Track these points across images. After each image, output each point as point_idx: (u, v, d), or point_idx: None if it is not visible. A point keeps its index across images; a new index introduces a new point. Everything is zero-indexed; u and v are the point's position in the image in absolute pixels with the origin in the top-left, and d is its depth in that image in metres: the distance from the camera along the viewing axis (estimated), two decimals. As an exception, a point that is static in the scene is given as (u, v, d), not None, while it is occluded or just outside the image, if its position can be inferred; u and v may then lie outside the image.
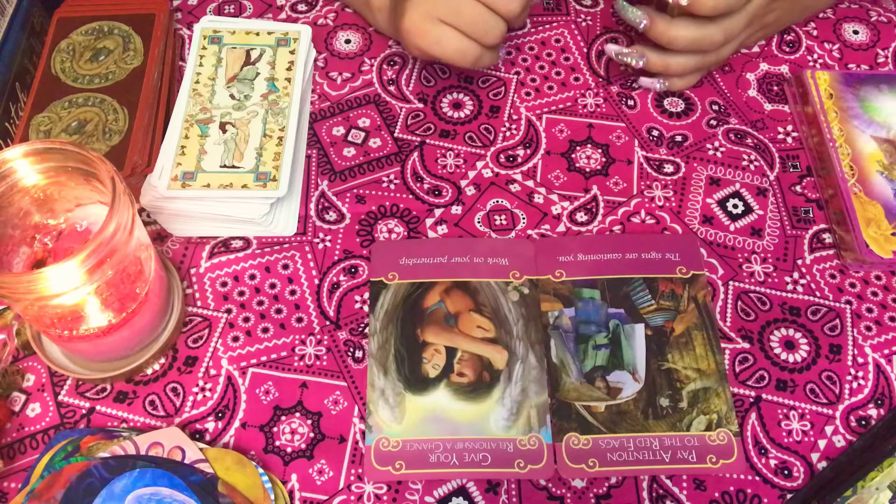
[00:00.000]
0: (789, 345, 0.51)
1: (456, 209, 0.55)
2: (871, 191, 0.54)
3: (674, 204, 0.56)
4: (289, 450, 0.47)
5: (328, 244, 0.54)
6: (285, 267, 0.53)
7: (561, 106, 0.60)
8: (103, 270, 0.41)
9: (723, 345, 0.50)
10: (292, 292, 0.52)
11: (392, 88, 0.60)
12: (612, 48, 0.58)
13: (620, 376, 0.49)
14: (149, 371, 0.49)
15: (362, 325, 0.51)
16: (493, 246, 0.53)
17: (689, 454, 0.46)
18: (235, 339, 0.50)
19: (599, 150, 0.58)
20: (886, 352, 0.50)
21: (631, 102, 0.60)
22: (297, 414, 0.48)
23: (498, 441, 0.47)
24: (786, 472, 0.47)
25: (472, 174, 0.57)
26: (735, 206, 0.55)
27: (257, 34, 0.59)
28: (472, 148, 0.58)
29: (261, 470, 0.44)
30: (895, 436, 0.46)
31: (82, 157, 0.42)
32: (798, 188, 0.56)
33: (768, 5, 0.56)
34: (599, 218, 0.55)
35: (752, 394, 0.49)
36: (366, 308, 0.51)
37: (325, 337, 0.50)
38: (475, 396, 0.48)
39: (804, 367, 0.50)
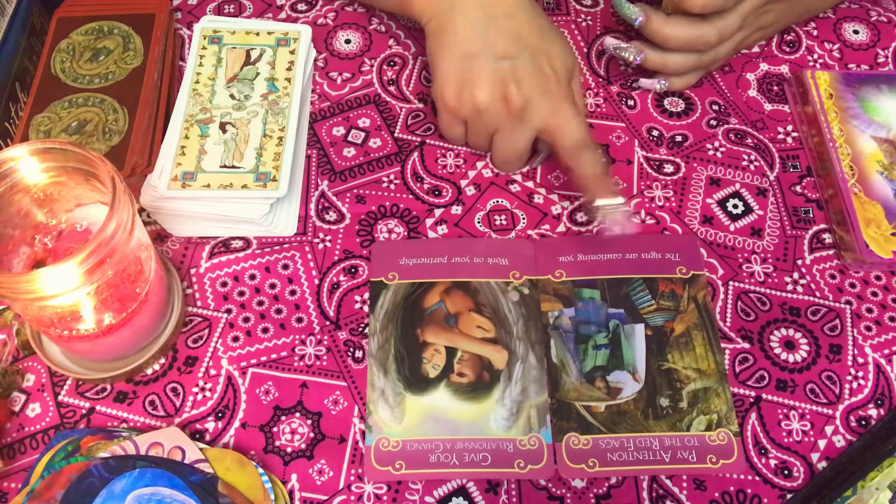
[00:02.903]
0: (789, 345, 0.51)
1: (456, 209, 0.55)
2: (871, 191, 0.54)
3: (674, 204, 0.56)
4: (289, 450, 0.47)
5: (328, 244, 0.54)
6: (285, 267, 0.53)
7: (561, 106, 0.60)
8: (103, 270, 0.41)
9: (723, 345, 0.50)
10: (292, 292, 0.52)
11: (392, 88, 0.60)
12: (610, 42, 0.58)
13: (620, 376, 0.49)
14: (149, 371, 0.49)
15: (362, 326, 0.51)
16: (493, 246, 0.53)
17: (689, 454, 0.46)
18: (235, 339, 0.50)
19: (599, 151, 0.58)
20: (886, 352, 0.50)
21: (631, 102, 0.60)
22: (297, 414, 0.48)
23: (498, 441, 0.47)
24: (786, 472, 0.47)
25: (472, 174, 0.57)
26: (735, 206, 0.55)
27: (257, 34, 0.59)
28: (472, 148, 0.58)
29: (261, 470, 0.44)
30: (895, 436, 0.46)
31: (82, 157, 0.42)
32: (798, 188, 0.56)
33: (763, 6, 0.56)
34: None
35: (752, 394, 0.49)
36: (366, 308, 0.51)
37: (325, 337, 0.50)
38: (475, 396, 0.48)
39: (804, 367, 0.50)
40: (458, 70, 0.52)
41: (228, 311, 0.51)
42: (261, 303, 0.52)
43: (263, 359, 0.50)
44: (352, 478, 0.46)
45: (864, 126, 0.57)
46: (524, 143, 0.53)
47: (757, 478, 0.46)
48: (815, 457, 0.47)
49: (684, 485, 0.46)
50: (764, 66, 0.62)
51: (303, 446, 0.47)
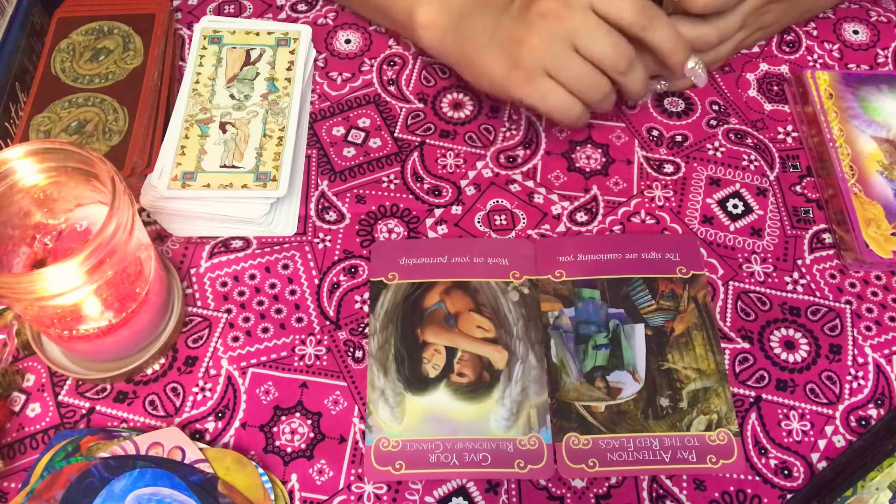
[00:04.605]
0: (789, 345, 0.51)
1: (456, 209, 0.55)
2: (871, 191, 0.54)
3: (674, 204, 0.56)
4: (289, 450, 0.47)
5: (328, 244, 0.54)
6: (285, 267, 0.53)
7: (561, 106, 0.60)
8: (103, 270, 0.41)
9: (723, 345, 0.50)
10: (292, 292, 0.52)
11: (392, 88, 0.60)
12: None
13: (620, 376, 0.49)
14: (149, 371, 0.49)
15: (362, 325, 0.51)
16: (493, 246, 0.53)
17: (689, 454, 0.46)
18: (235, 339, 0.50)
19: (599, 150, 0.58)
20: (886, 352, 0.50)
21: (631, 102, 0.60)
22: (297, 414, 0.48)
23: (498, 441, 0.47)
24: (786, 472, 0.47)
25: (472, 174, 0.57)
26: (735, 206, 0.55)
27: (257, 34, 0.59)
28: (472, 148, 0.58)
29: (261, 470, 0.44)
30: (895, 436, 0.46)
31: (82, 157, 0.42)
32: (798, 188, 0.56)
33: (763, 6, 0.56)
34: (599, 218, 0.55)
35: (752, 394, 0.49)
36: (366, 308, 0.51)
37: (325, 337, 0.50)
38: (475, 396, 0.48)
39: (804, 367, 0.50)
40: (498, 49, 0.51)
41: (228, 311, 0.51)
42: (261, 303, 0.52)
43: (263, 359, 0.50)
44: (352, 478, 0.46)
45: (864, 126, 0.57)
46: (603, 30, 0.48)
47: (757, 478, 0.46)
48: (815, 457, 0.47)
49: (684, 485, 0.46)
50: (764, 66, 0.62)
51: (303, 446, 0.47)
